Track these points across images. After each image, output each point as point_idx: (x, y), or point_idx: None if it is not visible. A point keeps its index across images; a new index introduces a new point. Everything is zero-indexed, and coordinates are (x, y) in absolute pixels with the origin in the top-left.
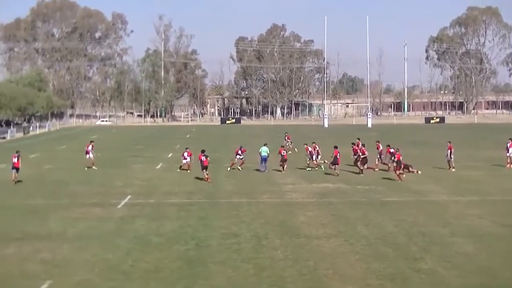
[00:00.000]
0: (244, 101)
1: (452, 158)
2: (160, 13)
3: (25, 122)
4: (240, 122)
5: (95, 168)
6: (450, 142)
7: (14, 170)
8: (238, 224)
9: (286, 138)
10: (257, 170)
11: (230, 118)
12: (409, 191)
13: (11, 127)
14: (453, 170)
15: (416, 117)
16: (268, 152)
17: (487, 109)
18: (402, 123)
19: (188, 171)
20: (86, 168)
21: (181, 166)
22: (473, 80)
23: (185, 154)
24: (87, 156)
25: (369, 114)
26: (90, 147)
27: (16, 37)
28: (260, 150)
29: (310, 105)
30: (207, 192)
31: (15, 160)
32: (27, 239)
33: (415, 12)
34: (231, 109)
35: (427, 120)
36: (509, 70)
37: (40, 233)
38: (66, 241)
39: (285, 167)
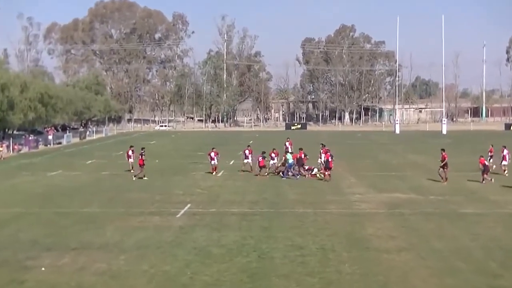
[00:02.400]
0: (310, 105)
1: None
2: (223, 13)
3: (81, 127)
4: (306, 128)
5: (133, 171)
6: (505, 147)
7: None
8: (303, 235)
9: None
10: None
11: (296, 124)
12: (487, 202)
13: (67, 132)
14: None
15: (495, 123)
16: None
17: None
18: (479, 130)
19: (250, 171)
20: (133, 172)
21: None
22: None
23: (246, 152)
24: (130, 160)
25: (444, 120)
26: (130, 152)
27: (74, 38)
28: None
29: (381, 110)
30: (270, 202)
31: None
32: (83, 249)
33: (494, 11)
34: (296, 114)
35: (507, 126)
36: None
37: (97, 243)
38: (123, 251)
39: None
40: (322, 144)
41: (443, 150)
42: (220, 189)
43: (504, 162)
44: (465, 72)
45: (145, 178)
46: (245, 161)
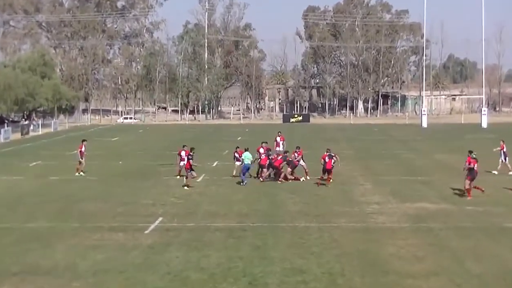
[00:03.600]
0: (314, 92)
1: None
2: None
3: (23, 120)
4: (308, 120)
5: (83, 174)
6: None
7: None
8: (305, 256)
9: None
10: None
11: (296, 115)
12: None
13: (5, 126)
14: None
15: None
16: (252, 159)
17: None
18: None
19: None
20: (78, 174)
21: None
22: None
23: (236, 154)
24: (83, 159)
25: (484, 110)
26: (83, 148)
27: (13, 7)
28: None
29: (404, 98)
30: (264, 214)
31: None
32: (27, 274)
33: None
34: (297, 103)
35: None
36: None
37: (44, 266)
38: (76, 276)
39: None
40: (298, 147)
41: (470, 152)
42: (201, 198)
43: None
44: (507, 49)
45: (82, 173)
46: (237, 163)
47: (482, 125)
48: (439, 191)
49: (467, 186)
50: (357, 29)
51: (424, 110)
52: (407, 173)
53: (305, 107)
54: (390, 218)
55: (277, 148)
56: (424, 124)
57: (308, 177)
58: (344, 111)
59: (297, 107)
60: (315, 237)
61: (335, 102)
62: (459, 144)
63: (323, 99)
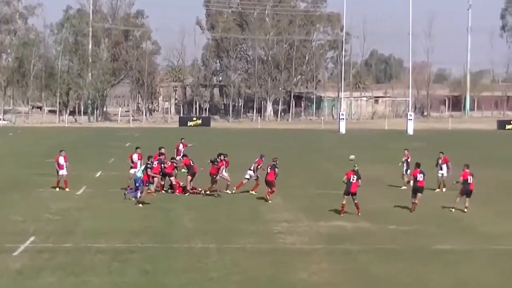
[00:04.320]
0: (216, 91)
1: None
2: None
3: None
4: (209, 124)
5: None
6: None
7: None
8: (203, 283)
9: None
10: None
11: (194, 118)
12: (474, 234)
13: None
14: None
15: (484, 120)
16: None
17: None
18: (461, 129)
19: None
20: None
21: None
22: None
23: (135, 156)
24: None
25: (411, 115)
26: None
27: None
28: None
29: (320, 99)
30: (156, 232)
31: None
32: None
33: None
34: (196, 103)
35: (501, 124)
36: None
37: None
38: None
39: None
40: (223, 155)
41: (417, 165)
42: (81, 214)
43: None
44: (442, 46)
45: None
46: (132, 171)
47: (408, 131)
48: (360, 207)
49: (414, 201)
50: (267, 19)
51: (342, 114)
52: (322, 186)
53: (206, 109)
54: (301, 239)
55: (178, 157)
56: (342, 130)
57: (229, 191)
58: (250, 114)
59: (196, 108)
60: (214, 260)
61: (240, 104)
62: (382, 153)
63: (227, 99)
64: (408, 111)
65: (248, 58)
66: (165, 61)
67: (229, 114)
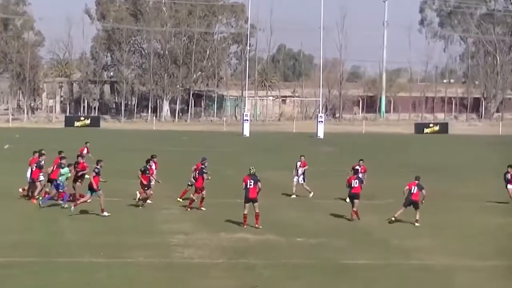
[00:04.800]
0: (107, 88)
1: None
2: None
3: None
4: (99, 125)
5: None
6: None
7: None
8: None
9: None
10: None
11: (82, 118)
12: (387, 248)
13: None
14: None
15: (401, 123)
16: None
17: None
18: (376, 133)
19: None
20: None
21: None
22: (498, 61)
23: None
24: None
25: (321, 116)
26: None
27: None
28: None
29: (222, 99)
30: (38, 245)
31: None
32: None
33: None
34: (84, 102)
35: (419, 127)
36: None
37: None
38: None
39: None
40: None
41: (355, 171)
42: None
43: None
44: (356, 42)
45: None
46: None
47: (318, 135)
48: (265, 218)
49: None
50: (164, 8)
51: (246, 115)
52: (224, 194)
53: (95, 108)
54: (200, 252)
55: None
56: (246, 133)
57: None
58: (145, 114)
59: (84, 107)
60: (103, 276)
61: (133, 102)
62: (290, 158)
63: (119, 97)
64: (319, 112)
65: (143, 52)
66: (50, 54)
67: (121, 113)
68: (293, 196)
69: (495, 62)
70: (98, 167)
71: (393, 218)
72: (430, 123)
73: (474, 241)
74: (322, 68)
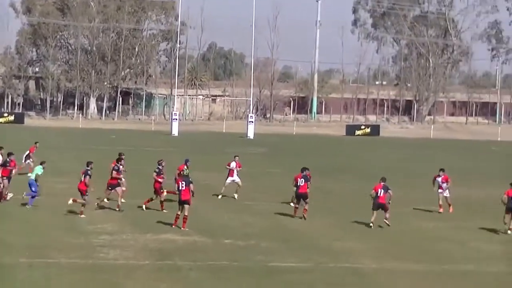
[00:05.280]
0: (32, 84)
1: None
2: None
3: None
4: (23, 122)
5: None
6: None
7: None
8: None
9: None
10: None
11: (6, 114)
12: (316, 250)
13: None
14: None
15: (332, 124)
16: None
17: (453, 114)
18: (307, 134)
19: None
20: None
21: None
22: (431, 64)
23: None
24: None
25: (252, 117)
26: None
27: None
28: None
29: (150, 97)
30: None
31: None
32: None
33: None
34: (8, 97)
35: (351, 129)
36: (491, 50)
37: None
38: None
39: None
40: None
41: (301, 170)
42: None
43: None
44: (288, 41)
45: None
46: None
47: (248, 135)
48: (192, 218)
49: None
50: (91, 3)
51: (175, 114)
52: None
53: (19, 104)
54: (125, 253)
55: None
56: (175, 132)
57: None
58: (71, 111)
59: (8, 103)
60: (23, 277)
61: (59, 99)
62: (218, 160)
63: (44, 94)
64: (249, 112)
65: (70, 48)
66: None
67: (46, 110)
68: (220, 196)
69: (427, 64)
70: (88, 168)
71: (371, 224)
72: (361, 125)
73: (401, 244)
74: (253, 68)
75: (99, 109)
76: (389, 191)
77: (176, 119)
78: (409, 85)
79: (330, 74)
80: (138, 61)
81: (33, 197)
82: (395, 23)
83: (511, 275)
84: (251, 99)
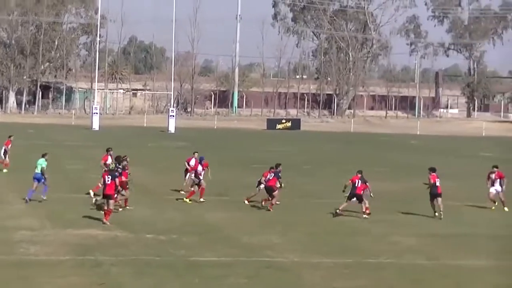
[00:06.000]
0: None
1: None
2: None
3: None
4: None
5: None
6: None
7: None
8: None
9: None
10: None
11: None
12: (236, 244)
13: None
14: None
15: (253, 118)
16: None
17: (373, 108)
18: (229, 128)
19: None
20: None
21: None
22: (351, 58)
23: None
24: None
25: (173, 111)
26: None
27: None
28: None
29: (70, 91)
30: None
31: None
32: None
33: None
34: None
35: (271, 123)
36: (410, 44)
37: None
38: None
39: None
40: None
41: (271, 168)
42: None
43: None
44: (209, 35)
45: None
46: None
47: (169, 129)
48: (113, 213)
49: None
50: None
51: (96, 108)
52: (73, 189)
53: None
54: (46, 249)
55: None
56: (96, 126)
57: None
58: None
59: None
60: None
61: None
62: (139, 154)
63: None
64: (170, 106)
65: None
66: None
67: None
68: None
69: (347, 58)
70: (120, 166)
71: (338, 211)
72: (282, 119)
73: (320, 238)
74: (174, 62)
75: (19, 103)
76: (367, 183)
77: (97, 113)
78: (329, 79)
79: (251, 68)
80: (58, 54)
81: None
82: (315, 17)
83: (427, 267)
84: (172, 93)
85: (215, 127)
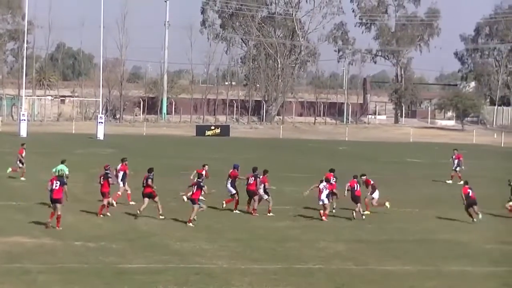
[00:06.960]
0: None
1: None
2: None
3: None
4: None
5: None
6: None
7: None
8: None
9: None
10: None
11: None
12: (166, 251)
13: None
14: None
15: (182, 125)
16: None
17: (301, 115)
18: (158, 135)
19: None
20: None
21: None
22: (279, 64)
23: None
24: None
25: (101, 117)
26: None
27: None
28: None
29: None
30: None
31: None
32: None
33: None
34: None
35: (201, 130)
36: (338, 51)
37: None
38: None
39: None
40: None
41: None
42: None
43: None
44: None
45: None
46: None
47: (98, 136)
48: (39, 220)
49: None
50: None
51: (23, 115)
52: (0, 196)
53: None
54: None
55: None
56: (23, 133)
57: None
58: None
59: None
60: None
61: None
62: (69, 160)
63: None
64: (99, 113)
65: None
66: None
67: None
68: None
69: (276, 65)
70: (151, 175)
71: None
72: (211, 126)
73: (250, 244)
74: (102, 68)
75: None
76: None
77: (25, 120)
78: (258, 85)
79: (179, 75)
80: None
81: None
82: (244, 24)
83: (355, 273)
84: (101, 99)
85: (144, 134)
